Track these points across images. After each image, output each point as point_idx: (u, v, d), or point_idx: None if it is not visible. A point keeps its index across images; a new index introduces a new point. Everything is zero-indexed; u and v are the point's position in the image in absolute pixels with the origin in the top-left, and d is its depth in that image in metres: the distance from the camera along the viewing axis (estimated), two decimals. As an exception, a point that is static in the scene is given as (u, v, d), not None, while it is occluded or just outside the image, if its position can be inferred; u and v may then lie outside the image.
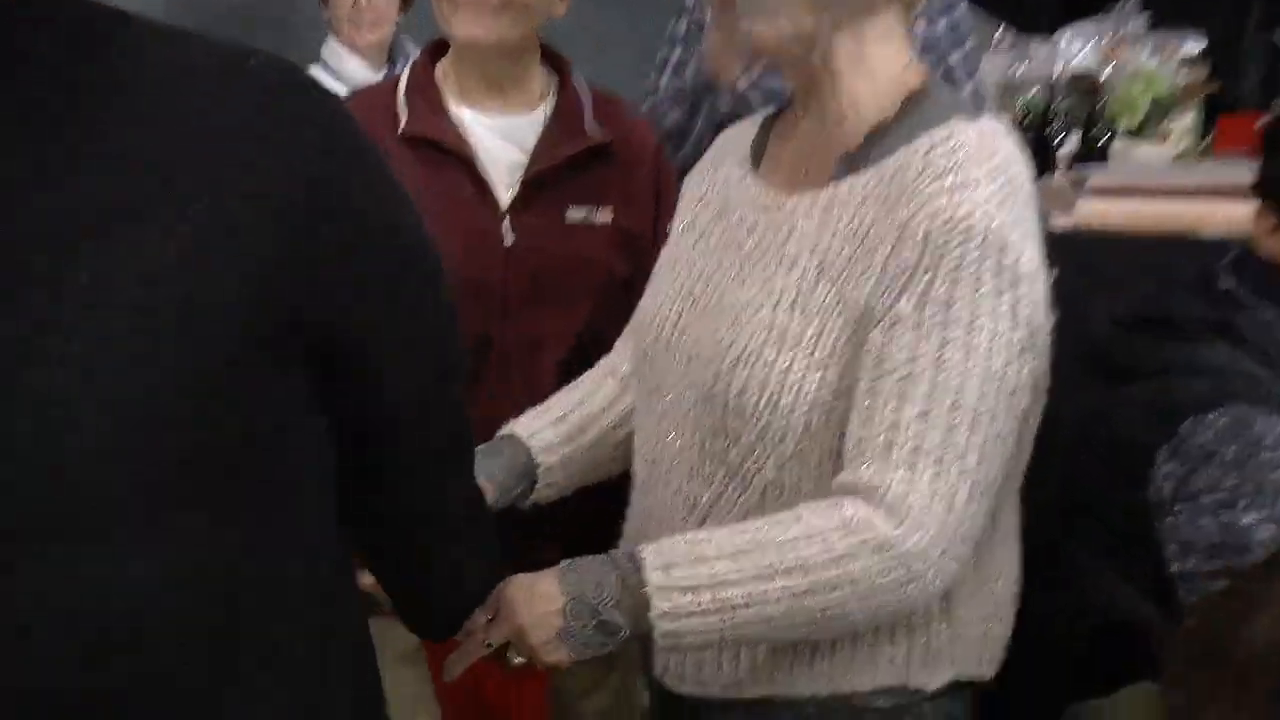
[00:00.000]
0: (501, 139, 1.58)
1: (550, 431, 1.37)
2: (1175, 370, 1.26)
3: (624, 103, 1.72)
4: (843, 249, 1.09)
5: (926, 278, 1.02)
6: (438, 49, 1.64)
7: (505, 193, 1.56)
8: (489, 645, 1.12)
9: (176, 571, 0.71)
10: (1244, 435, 1.16)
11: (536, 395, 1.51)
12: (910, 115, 1.11)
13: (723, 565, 1.04)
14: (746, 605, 1.03)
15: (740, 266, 1.18)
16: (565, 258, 1.57)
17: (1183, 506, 1.19)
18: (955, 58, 2.23)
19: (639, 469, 1.29)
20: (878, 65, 1.13)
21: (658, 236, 1.46)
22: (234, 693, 0.77)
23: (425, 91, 1.58)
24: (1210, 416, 1.18)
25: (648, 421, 1.27)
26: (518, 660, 1.12)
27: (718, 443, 1.15)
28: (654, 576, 1.06)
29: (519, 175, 1.56)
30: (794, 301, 1.10)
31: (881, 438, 1.03)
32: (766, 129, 1.28)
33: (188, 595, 0.72)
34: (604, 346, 1.47)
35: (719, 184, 1.28)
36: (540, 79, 1.63)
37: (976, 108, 1.24)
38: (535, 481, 1.35)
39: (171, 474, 0.69)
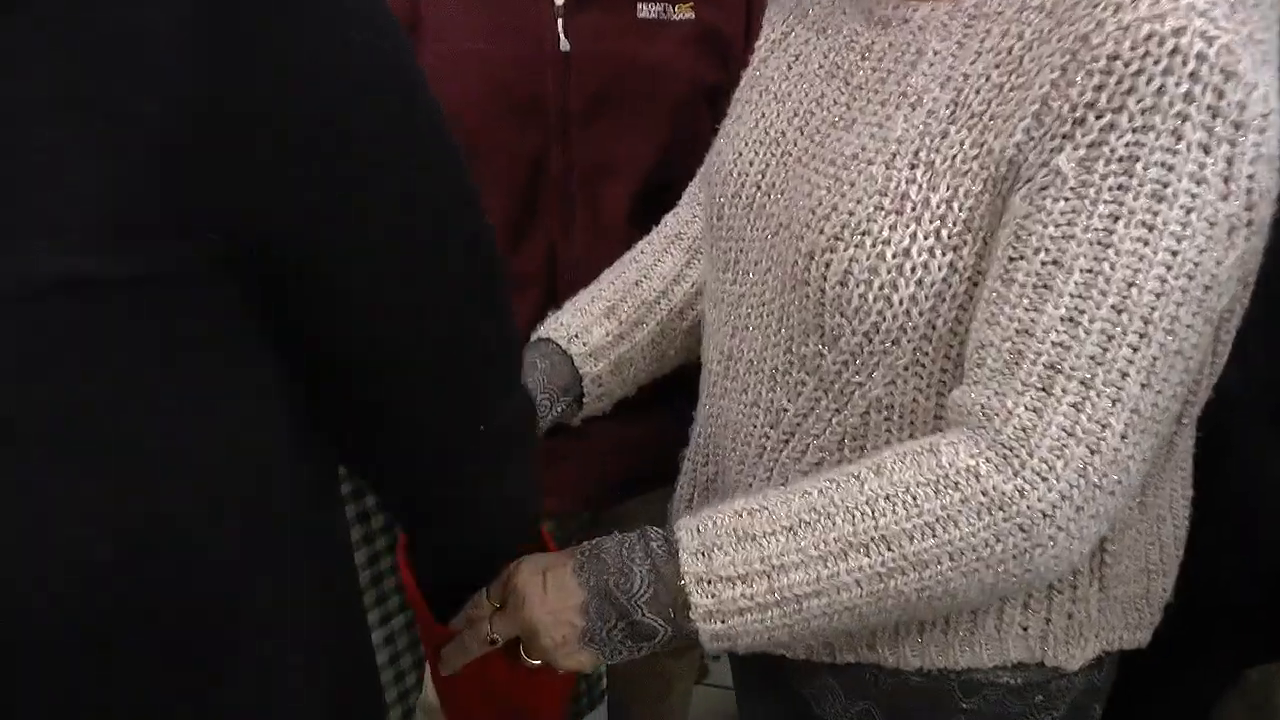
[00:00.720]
0: None
1: (598, 329, 1.10)
2: None
3: None
4: (987, 78, 0.78)
5: (1103, 122, 0.71)
6: None
7: None
8: (494, 641, 0.89)
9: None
10: None
11: (602, 236, 1.26)
12: None
13: (778, 543, 0.79)
14: (815, 594, 0.78)
15: (848, 103, 0.88)
16: (636, 64, 1.26)
17: None
18: None
19: (710, 363, 1.02)
20: None
21: (750, 40, 1.15)
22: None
23: None
24: None
25: (722, 304, 0.99)
26: (533, 662, 0.89)
27: (809, 344, 0.87)
28: (691, 565, 0.81)
29: None
30: (918, 154, 0.80)
31: (1008, 345, 0.74)
32: None
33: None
34: (686, 174, 1.18)
35: None
36: None
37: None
38: (582, 396, 1.10)
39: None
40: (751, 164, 0.95)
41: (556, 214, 1.27)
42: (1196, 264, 0.71)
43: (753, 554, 0.79)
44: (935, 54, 0.82)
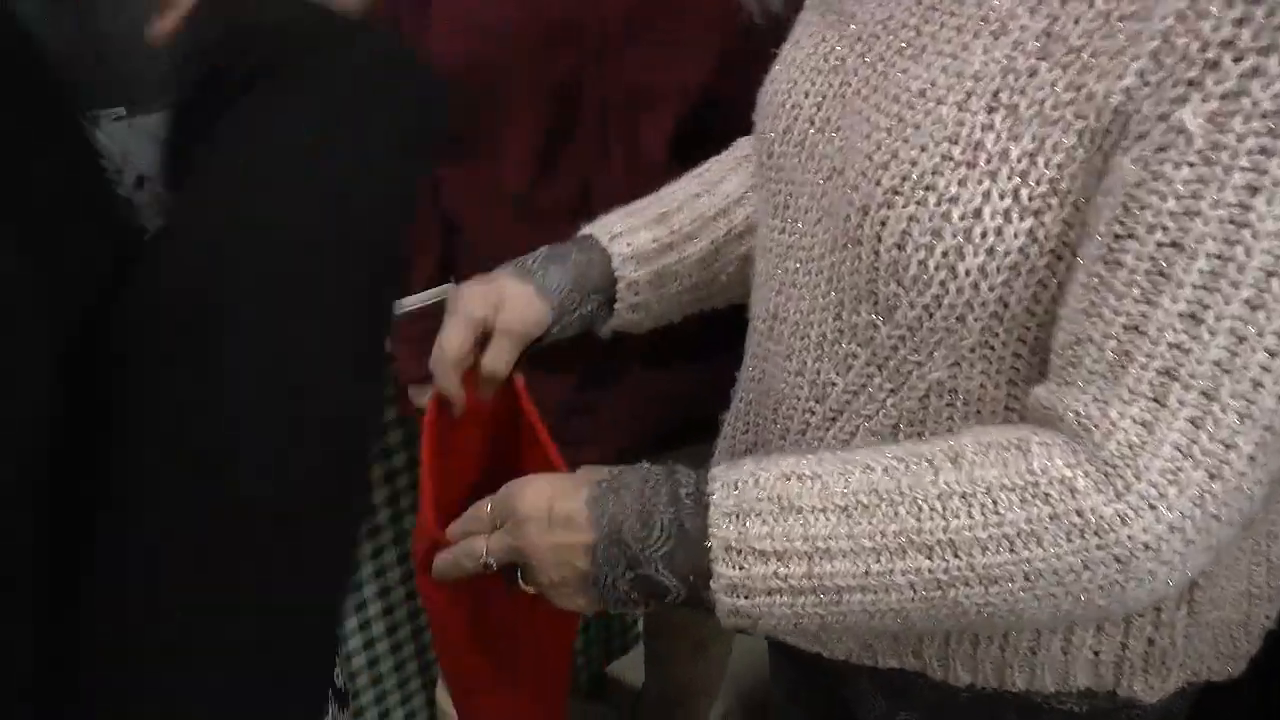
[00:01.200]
0: None
1: (645, 234, 0.96)
2: None
3: None
4: (1091, 3, 0.63)
5: (1244, 66, 0.55)
6: None
7: None
8: (487, 565, 0.77)
9: None
10: None
11: (639, 173, 1.12)
12: None
13: (827, 523, 0.66)
14: (860, 589, 0.66)
15: (919, 26, 0.73)
16: None
17: None
18: None
19: (756, 320, 0.90)
20: None
21: None
22: None
23: None
24: None
25: (770, 254, 0.86)
26: (527, 588, 0.76)
27: (860, 312, 0.74)
28: (722, 528, 0.68)
29: None
30: (997, 95, 0.65)
31: (1113, 343, 0.61)
32: None
33: None
34: (741, 108, 0.99)
35: None
36: None
37: None
38: (614, 300, 0.96)
39: None
40: (807, 95, 0.81)
41: (591, 146, 1.14)
42: None
43: (795, 529, 0.66)
44: None
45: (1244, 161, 0.56)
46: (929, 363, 0.72)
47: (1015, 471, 0.63)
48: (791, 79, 0.83)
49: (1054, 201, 0.64)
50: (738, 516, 0.68)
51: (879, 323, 0.73)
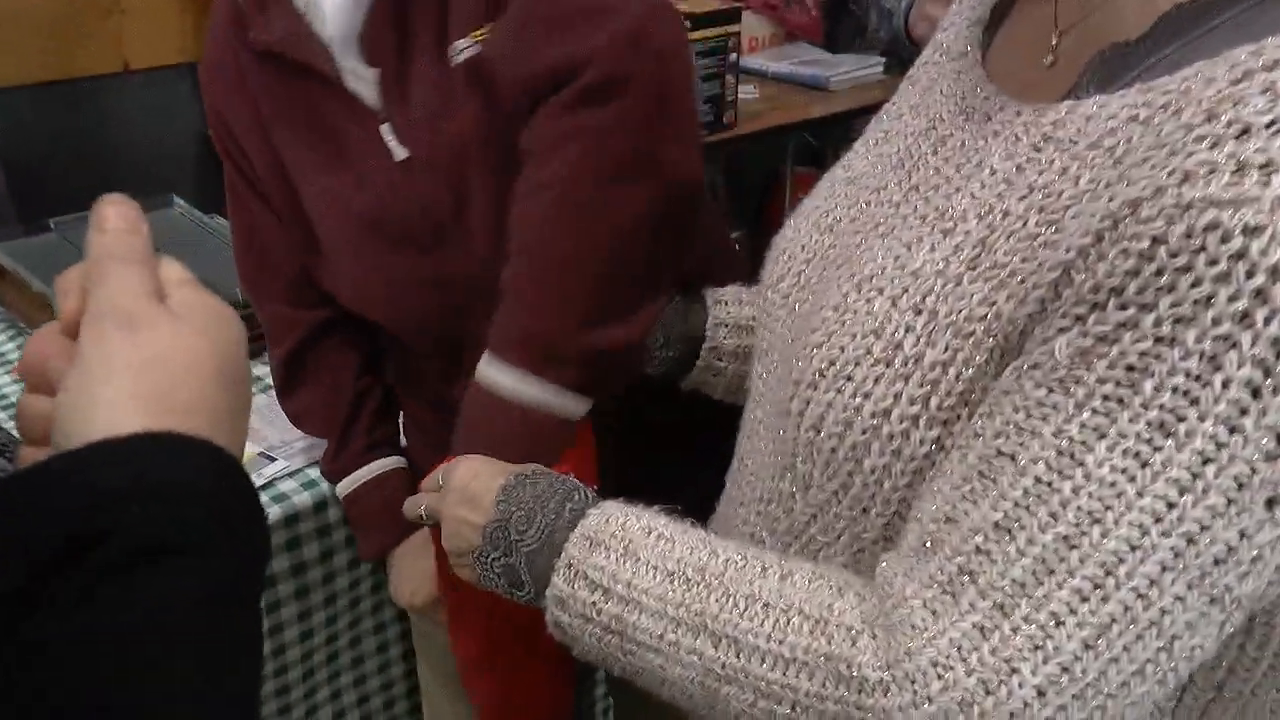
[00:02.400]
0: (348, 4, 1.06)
1: (750, 310, 1.03)
2: None
3: None
4: (1024, 224, 0.63)
5: (1123, 316, 0.55)
6: None
7: (368, 87, 1.07)
8: (421, 518, 0.94)
9: None
10: None
11: None
12: None
13: (650, 580, 0.71)
14: (653, 650, 0.70)
15: (899, 203, 0.74)
16: (466, 135, 1.03)
17: None
18: None
19: (739, 438, 0.92)
20: None
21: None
22: None
23: None
24: None
25: (750, 396, 0.88)
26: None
27: (785, 482, 0.76)
28: (573, 546, 0.75)
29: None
30: (925, 297, 0.66)
31: (933, 527, 0.62)
32: None
33: None
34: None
35: (948, 42, 0.82)
36: None
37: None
38: (696, 358, 1.03)
39: None
40: (802, 249, 0.83)
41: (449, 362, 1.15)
42: (1204, 528, 0.54)
43: (624, 573, 0.72)
44: (991, 173, 0.67)
45: (1096, 404, 0.55)
46: (834, 545, 0.72)
47: (818, 603, 0.65)
48: (797, 229, 0.86)
49: (963, 413, 0.64)
50: (590, 543, 0.74)
51: (797, 496, 0.74)
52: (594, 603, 0.73)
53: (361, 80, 1.07)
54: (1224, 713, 0.68)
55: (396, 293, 1.13)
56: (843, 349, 0.69)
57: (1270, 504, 0.53)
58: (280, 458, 1.40)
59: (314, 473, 1.38)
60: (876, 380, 0.66)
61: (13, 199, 2.14)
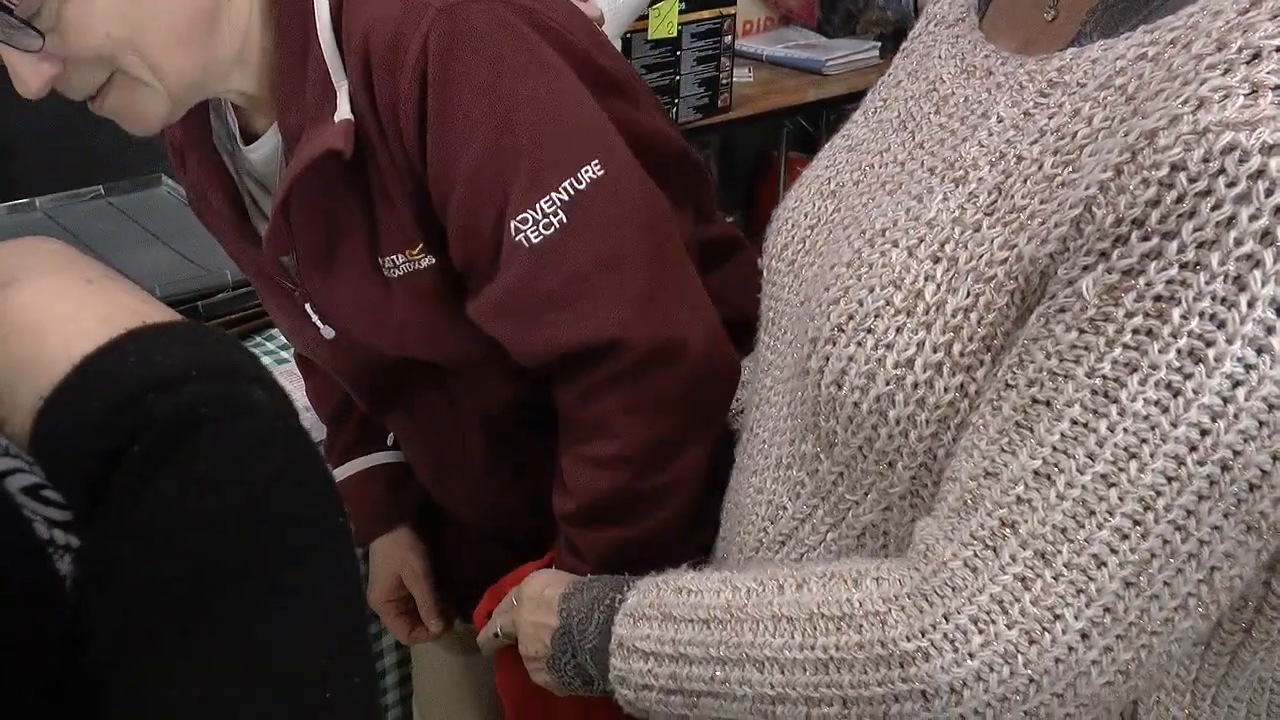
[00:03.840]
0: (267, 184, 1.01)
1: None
2: None
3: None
4: (1040, 166, 0.62)
5: (1147, 246, 0.54)
6: None
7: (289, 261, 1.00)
8: (497, 634, 0.95)
9: None
10: None
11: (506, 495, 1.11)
12: None
13: (690, 632, 0.73)
14: (710, 694, 0.72)
15: (904, 161, 0.73)
16: (395, 328, 0.98)
17: None
18: None
19: (743, 426, 0.90)
20: None
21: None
22: None
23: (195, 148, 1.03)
24: None
25: (758, 365, 0.87)
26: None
27: (809, 442, 0.74)
28: (620, 627, 0.78)
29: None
30: (944, 245, 0.64)
31: (972, 484, 0.61)
32: None
33: None
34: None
35: (942, 12, 0.82)
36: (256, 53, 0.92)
37: None
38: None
39: None
40: (805, 216, 0.82)
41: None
42: (1237, 453, 0.53)
43: (667, 634, 0.74)
44: (999, 120, 0.66)
45: (1127, 339, 0.55)
46: (863, 503, 0.71)
47: (836, 600, 0.66)
48: (799, 198, 0.84)
49: (986, 358, 0.62)
50: (633, 619, 0.77)
51: (822, 456, 0.72)
52: (649, 670, 0.75)
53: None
54: (1253, 655, 0.67)
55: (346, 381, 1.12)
56: (861, 302, 0.67)
57: None
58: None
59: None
60: (899, 330, 0.65)
61: (-4, 177, 2.10)
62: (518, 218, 0.87)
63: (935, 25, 0.82)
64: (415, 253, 0.94)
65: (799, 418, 0.75)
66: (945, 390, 0.64)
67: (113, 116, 0.88)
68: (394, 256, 0.94)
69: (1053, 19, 0.68)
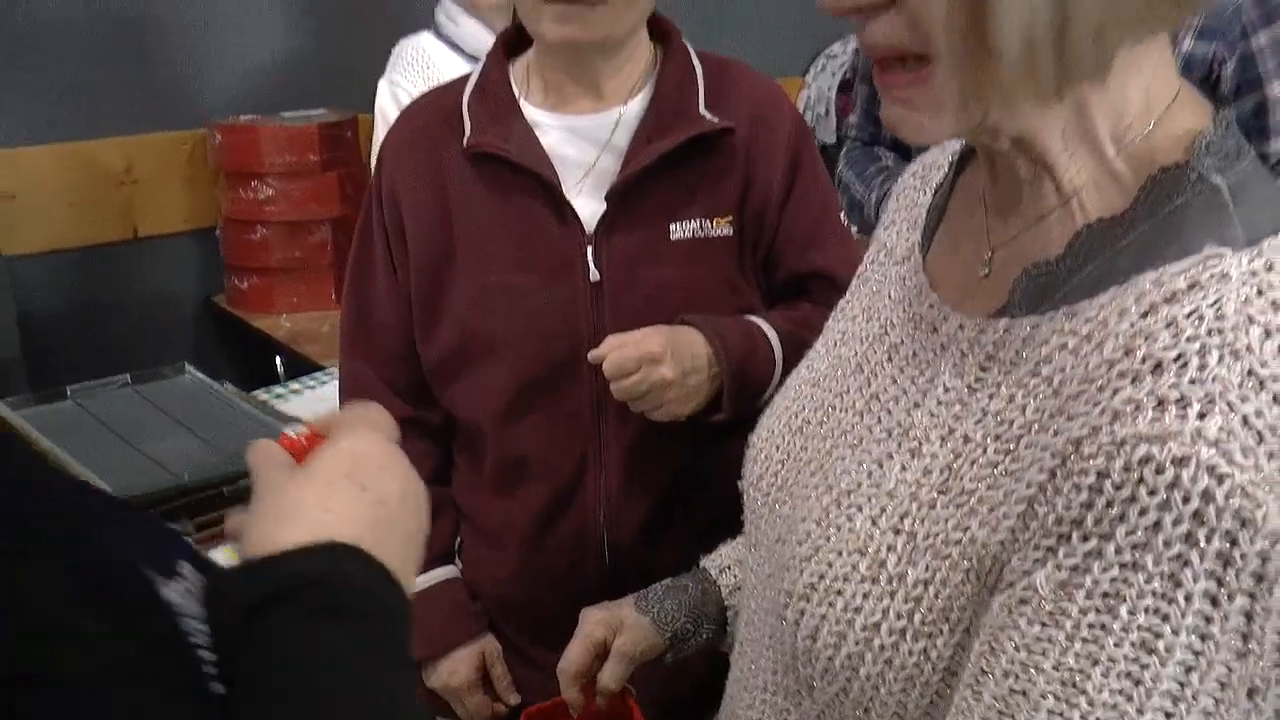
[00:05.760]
0: (590, 144, 1.23)
1: (734, 549, 1.09)
2: None
3: (749, 72, 1.29)
4: (984, 451, 0.67)
5: (1088, 546, 0.59)
6: (514, 39, 1.30)
7: (590, 213, 1.22)
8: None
9: None
10: None
11: (652, 486, 1.26)
12: (1155, 207, 0.65)
13: None
14: None
15: (862, 411, 0.79)
16: (670, 289, 1.21)
17: None
18: (1261, 41, 1.53)
19: (739, 622, 0.96)
20: (1123, 97, 0.66)
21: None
22: None
23: (495, 94, 1.25)
24: None
25: (747, 580, 0.92)
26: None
27: (789, 679, 0.79)
28: None
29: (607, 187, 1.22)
30: (903, 518, 0.70)
31: None
32: (956, 174, 0.83)
33: None
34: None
35: (891, 243, 0.88)
36: (643, 59, 1.26)
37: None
38: (726, 624, 1.07)
39: None
40: (777, 449, 0.88)
41: (596, 468, 1.26)
42: None
43: None
44: (945, 391, 0.72)
45: (1085, 633, 0.59)
46: None
47: None
48: (770, 427, 0.89)
49: (945, 628, 0.67)
50: None
51: (802, 693, 0.77)
52: None
53: (585, 201, 1.21)
54: None
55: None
56: (830, 564, 0.73)
57: (1251, 694, 0.58)
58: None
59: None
60: (865, 596, 0.70)
61: (27, 364, 2.22)
62: None
63: (885, 257, 0.87)
64: (723, 219, 1.27)
65: (780, 653, 0.80)
66: (910, 654, 0.69)
67: None
68: (692, 222, 1.23)
69: (986, 275, 0.74)
